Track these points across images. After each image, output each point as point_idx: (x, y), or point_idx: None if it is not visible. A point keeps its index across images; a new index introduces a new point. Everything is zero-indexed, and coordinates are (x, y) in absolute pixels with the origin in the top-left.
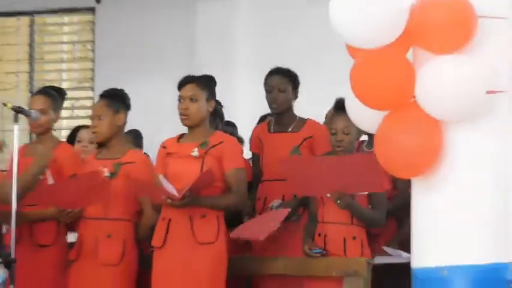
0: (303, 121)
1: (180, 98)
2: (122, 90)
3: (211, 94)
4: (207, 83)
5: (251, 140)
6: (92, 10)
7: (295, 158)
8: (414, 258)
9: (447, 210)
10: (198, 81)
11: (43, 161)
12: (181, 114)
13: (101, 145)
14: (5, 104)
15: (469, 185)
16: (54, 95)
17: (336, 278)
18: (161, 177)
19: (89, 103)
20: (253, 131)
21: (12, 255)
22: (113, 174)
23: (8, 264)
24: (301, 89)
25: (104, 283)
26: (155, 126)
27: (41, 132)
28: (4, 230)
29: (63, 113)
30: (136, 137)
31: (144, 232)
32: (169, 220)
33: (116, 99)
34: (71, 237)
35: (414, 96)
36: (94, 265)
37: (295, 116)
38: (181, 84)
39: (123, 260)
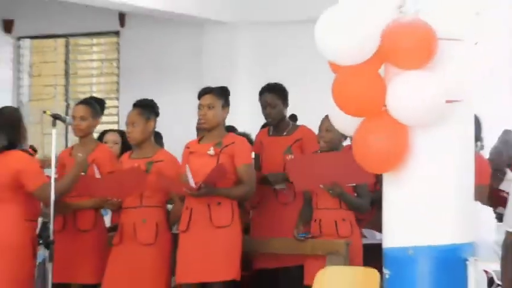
0: (296, 127)
1: (200, 106)
2: (152, 101)
3: (226, 102)
4: (223, 93)
5: (254, 143)
6: (117, 33)
7: (297, 157)
8: (384, 240)
9: (412, 200)
10: (215, 92)
11: (79, 168)
12: (200, 119)
13: (125, 147)
14: (44, 112)
15: (430, 179)
16: (94, 105)
17: (321, 256)
18: (187, 168)
19: (114, 111)
20: (257, 135)
21: (51, 238)
22: (145, 172)
23: (48, 245)
24: (291, 99)
25: (142, 260)
26: (170, 130)
27: (83, 136)
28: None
29: None
30: (157, 138)
31: (174, 220)
32: (191, 209)
33: (147, 108)
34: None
35: (385, 105)
36: (134, 246)
37: (289, 122)
38: (201, 94)
39: (157, 240)
